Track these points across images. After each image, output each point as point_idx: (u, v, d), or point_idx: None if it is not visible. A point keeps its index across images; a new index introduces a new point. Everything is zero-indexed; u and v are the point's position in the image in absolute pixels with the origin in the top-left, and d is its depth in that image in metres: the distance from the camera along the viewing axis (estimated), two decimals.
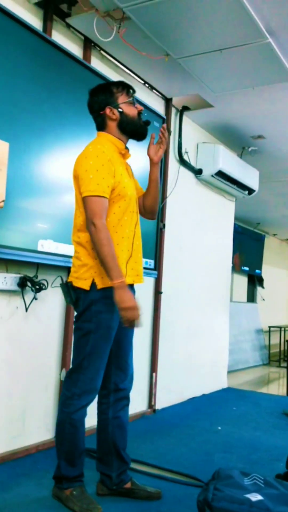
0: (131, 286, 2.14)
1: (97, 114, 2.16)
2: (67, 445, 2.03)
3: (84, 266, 2.03)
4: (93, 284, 2.00)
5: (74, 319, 2.10)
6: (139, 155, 2.41)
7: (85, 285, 2.02)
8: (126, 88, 2.16)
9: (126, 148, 2.19)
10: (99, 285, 2.00)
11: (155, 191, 2.28)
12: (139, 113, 2.16)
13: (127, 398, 2.21)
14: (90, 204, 1.96)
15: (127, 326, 1.96)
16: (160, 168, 2.28)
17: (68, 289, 2.07)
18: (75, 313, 2.09)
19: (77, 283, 2.04)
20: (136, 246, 2.16)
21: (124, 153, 2.18)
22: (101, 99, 2.14)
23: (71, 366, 2.08)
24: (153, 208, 2.32)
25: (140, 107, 2.17)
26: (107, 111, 2.12)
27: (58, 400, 2.85)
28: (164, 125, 2.26)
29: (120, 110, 2.12)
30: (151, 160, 2.26)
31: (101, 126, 2.18)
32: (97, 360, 2.02)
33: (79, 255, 2.06)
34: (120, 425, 2.17)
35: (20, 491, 2.18)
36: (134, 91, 2.19)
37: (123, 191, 2.06)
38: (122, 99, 2.13)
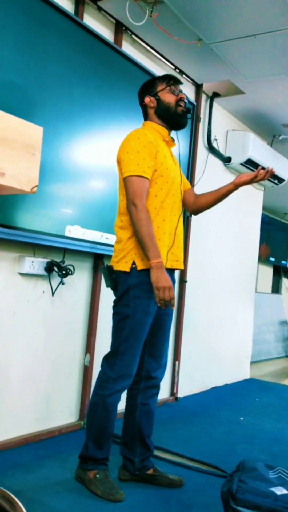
0: (171, 272, 2.15)
1: (141, 105, 2.24)
2: (97, 427, 2.06)
3: (125, 249, 2.06)
4: (133, 267, 2.03)
5: (112, 304, 2.12)
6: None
7: (126, 267, 2.04)
8: (167, 78, 2.21)
9: (172, 137, 2.21)
10: (139, 266, 2.02)
11: (215, 202, 2.32)
12: (178, 101, 2.16)
13: (157, 387, 2.23)
14: (130, 184, 1.99)
15: (161, 307, 1.97)
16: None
17: (109, 272, 2.10)
18: (114, 298, 2.11)
19: (118, 267, 2.07)
20: (179, 231, 2.18)
21: (168, 141, 2.20)
22: (143, 90, 2.22)
23: (109, 350, 2.10)
24: (202, 210, 2.36)
25: (181, 95, 2.18)
26: (146, 100, 2.20)
27: (82, 385, 2.89)
28: (266, 170, 2.28)
29: (157, 97, 2.17)
30: (236, 181, 2.30)
31: (145, 115, 2.25)
32: (133, 345, 2.04)
33: (120, 239, 2.09)
34: (147, 412, 2.19)
35: (43, 473, 2.21)
36: (176, 81, 2.21)
37: (165, 172, 2.08)
38: (160, 87, 2.18)
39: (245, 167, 4.37)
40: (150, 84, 2.22)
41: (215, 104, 4.10)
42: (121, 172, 2.07)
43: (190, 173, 3.75)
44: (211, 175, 4.10)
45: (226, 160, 4.31)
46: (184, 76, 3.70)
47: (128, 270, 2.03)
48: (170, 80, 2.20)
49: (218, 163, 4.28)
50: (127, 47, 3.13)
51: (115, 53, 2.91)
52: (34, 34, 2.39)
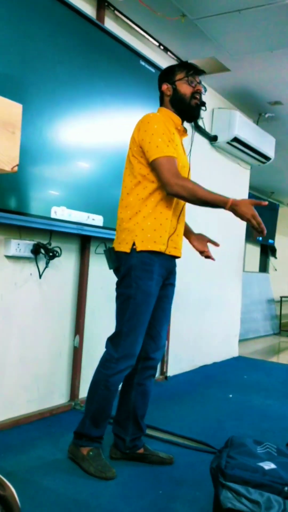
0: (172, 257, 2.17)
1: (159, 90, 2.22)
2: (97, 406, 2.08)
3: (125, 230, 2.07)
4: (133, 248, 2.04)
5: (115, 286, 2.13)
6: None
7: (126, 248, 2.05)
8: (188, 67, 2.18)
9: (185, 127, 2.21)
10: (139, 248, 2.03)
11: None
12: (194, 93, 2.14)
13: (154, 368, 2.24)
14: (164, 165, 1.99)
15: (259, 234, 2.07)
16: None
17: (111, 254, 2.11)
18: (117, 280, 2.12)
19: (119, 248, 2.08)
20: (181, 220, 2.20)
21: (181, 130, 2.19)
22: (163, 76, 2.20)
23: (114, 331, 2.11)
24: None
25: (199, 87, 2.15)
26: (164, 87, 2.19)
27: (72, 366, 2.89)
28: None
29: (174, 86, 2.15)
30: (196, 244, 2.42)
31: (161, 101, 2.24)
32: (137, 326, 2.06)
33: (122, 219, 2.10)
34: (143, 393, 2.21)
35: (35, 453, 2.22)
36: (196, 71, 2.18)
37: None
38: (179, 76, 2.16)
39: (231, 145, 4.35)
40: (169, 71, 2.19)
41: None
42: (136, 152, 2.05)
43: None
44: (197, 154, 4.05)
45: (213, 138, 4.29)
46: (168, 53, 3.64)
47: (128, 251, 2.04)
48: (190, 70, 2.16)
49: (204, 142, 4.26)
50: (110, 24, 3.07)
51: (98, 30, 2.85)
52: (14, 11, 2.32)
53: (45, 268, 2.65)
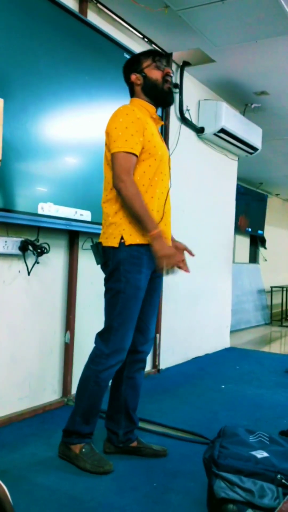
0: None
1: (127, 83, 2.20)
2: (87, 402, 2.07)
3: (112, 224, 2.05)
4: (121, 242, 2.02)
5: (104, 282, 2.11)
6: None
7: (114, 242, 2.03)
8: (152, 54, 2.17)
9: (159, 115, 2.19)
10: (127, 242, 2.01)
11: None
12: (165, 76, 2.13)
13: (143, 361, 2.24)
14: (117, 160, 1.97)
15: (165, 274, 2.01)
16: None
17: (98, 249, 2.09)
18: (105, 276, 2.10)
19: (107, 243, 2.06)
20: (167, 209, 2.18)
21: (156, 118, 2.17)
22: (128, 67, 2.18)
23: (103, 326, 2.10)
24: None
25: (167, 70, 2.14)
26: (133, 77, 2.16)
27: (64, 362, 2.89)
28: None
29: (143, 74, 2.13)
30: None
31: (131, 93, 2.21)
32: (127, 320, 2.04)
33: (107, 214, 2.08)
34: (133, 386, 2.20)
35: (28, 450, 2.21)
36: (161, 56, 2.17)
37: (153, 150, 2.05)
38: (146, 64, 2.14)
39: (218, 137, 4.35)
40: (135, 61, 2.18)
41: (185, 74, 4.04)
42: (108, 148, 2.04)
43: None
44: (184, 147, 4.07)
45: (199, 130, 4.28)
46: (153, 45, 3.62)
47: (116, 245, 2.02)
48: (156, 56, 2.16)
49: (191, 133, 4.25)
50: (93, 17, 3.04)
51: (81, 23, 2.83)
52: None
53: (33, 265, 2.64)
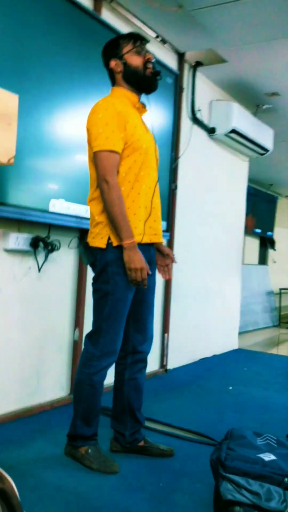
0: (149, 245, 2.12)
1: (106, 68, 2.10)
2: (85, 406, 2.05)
3: (99, 224, 2.00)
4: (109, 243, 1.97)
5: (92, 281, 2.08)
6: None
7: (102, 243, 1.98)
8: (132, 38, 2.05)
9: (142, 103, 2.10)
10: (115, 242, 1.96)
11: None
12: (146, 62, 2.03)
13: (144, 361, 2.21)
14: (100, 160, 1.91)
15: (134, 286, 1.97)
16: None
17: (85, 250, 2.05)
18: (93, 275, 2.07)
19: (94, 243, 2.01)
20: (155, 204, 2.11)
21: (139, 107, 2.09)
22: (108, 53, 2.07)
23: (91, 328, 2.08)
24: None
25: (148, 55, 2.04)
26: (112, 64, 2.06)
27: (72, 359, 2.89)
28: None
29: (123, 61, 2.03)
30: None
31: (112, 81, 2.11)
32: (116, 322, 2.01)
33: (94, 214, 2.03)
34: (136, 387, 2.19)
35: (35, 447, 2.22)
36: (142, 40, 2.06)
37: (137, 144, 1.98)
38: (126, 49, 2.04)
39: (229, 137, 4.33)
40: (114, 45, 2.06)
41: (198, 74, 4.03)
42: (90, 146, 1.98)
43: (174, 145, 3.70)
44: (195, 147, 4.06)
45: (211, 131, 4.27)
46: (165, 44, 3.62)
47: (104, 246, 1.97)
48: (136, 40, 2.04)
49: (203, 134, 4.24)
50: (107, 15, 3.04)
51: (95, 21, 2.83)
52: (11, 2, 2.30)
53: (44, 262, 2.64)
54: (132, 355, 2.16)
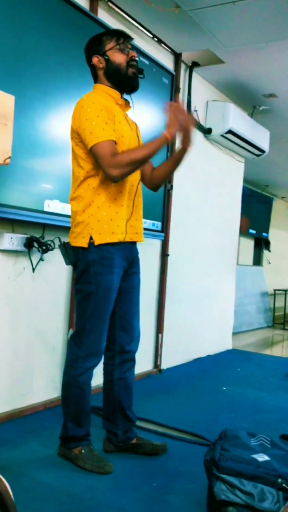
0: (131, 244, 2.11)
1: (88, 64, 2.08)
2: (74, 407, 2.05)
3: (80, 223, 1.98)
4: (90, 242, 1.96)
5: (74, 282, 2.06)
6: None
7: (83, 242, 1.96)
8: (116, 35, 2.03)
9: (125, 100, 2.08)
10: (97, 241, 1.95)
11: (171, 171, 2.18)
12: (130, 61, 2.00)
13: (132, 360, 2.21)
14: (102, 150, 1.87)
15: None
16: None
17: (66, 250, 2.03)
18: (75, 275, 2.06)
19: (76, 243, 2.00)
20: (138, 203, 2.10)
21: (121, 104, 2.06)
22: (90, 48, 2.05)
23: (75, 328, 2.07)
24: (160, 183, 2.22)
25: (132, 53, 2.01)
26: (94, 60, 2.03)
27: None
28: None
29: (106, 57, 2.00)
30: (183, 146, 2.08)
31: (94, 77, 2.09)
32: (99, 322, 2.01)
33: (75, 212, 2.01)
34: (125, 386, 2.18)
35: (28, 447, 2.22)
36: (126, 37, 2.04)
37: (120, 140, 1.97)
38: (109, 46, 2.01)
39: (225, 138, 4.34)
40: (97, 41, 2.02)
41: (194, 74, 4.03)
42: (81, 142, 1.94)
43: (170, 145, 3.70)
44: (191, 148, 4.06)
45: (207, 131, 4.27)
46: (162, 45, 3.62)
47: (86, 245, 1.96)
48: (120, 37, 2.01)
49: (199, 134, 4.24)
50: (103, 15, 3.04)
51: (91, 21, 2.82)
52: (7, 3, 2.29)
53: (38, 262, 2.64)
54: (120, 355, 2.16)
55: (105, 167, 1.88)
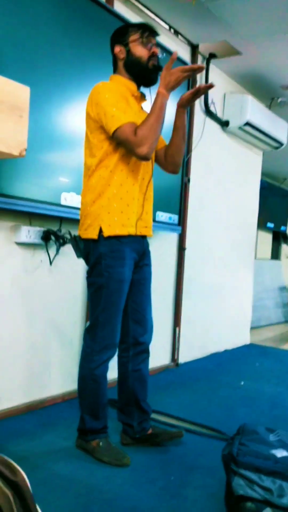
0: (142, 237, 2.10)
1: (112, 54, 2.07)
2: (90, 400, 2.06)
3: (90, 215, 1.98)
4: (100, 234, 1.96)
5: (86, 275, 2.07)
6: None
7: (93, 234, 1.97)
8: (141, 28, 2.02)
9: (142, 93, 2.08)
10: (106, 233, 1.95)
11: (179, 140, 2.12)
12: (151, 56, 2.00)
13: (146, 352, 2.21)
14: (123, 133, 1.86)
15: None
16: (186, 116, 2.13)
17: (77, 243, 2.04)
18: (87, 268, 2.06)
19: (86, 235, 2.00)
20: (149, 196, 2.09)
21: (137, 96, 2.06)
22: (115, 37, 2.05)
23: (89, 321, 2.08)
24: (175, 159, 2.16)
25: (155, 49, 2.00)
26: (116, 49, 2.04)
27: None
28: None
29: (127, 48, 2.00)
30: (179, 103, 2.07)
31: (114, 67, 2.09)
32: (112, 315, 2.01)
33: (86, 203, 2.01)
34: (140, 378, 2.19)
35: (47, 439, 2.23)
36: (153, 33, 2.03)
37: None
38: (133, 38, 2.00)
39: (243, 131, 4.29)
40: (122, 32, 2.03)
41: (211, 66, 3.99)
42: (96, 128, 1.94)
43: (187, 138, 3.67)
44: (208, 140, 4.03)
45: (224, 124, 4.23)
46: (179, 36, 3.59)
47: (96, 237, 1.96)
48: (145, 31, 2.00)
49: (216, 127, 4.20)
50: (119, 7, 3.02)
51: (107, 13, 2.80)
52: None
53: (55, 255, 2.64)
54: (133, 347, 2.16)
55: (132, 148, 1.87)
